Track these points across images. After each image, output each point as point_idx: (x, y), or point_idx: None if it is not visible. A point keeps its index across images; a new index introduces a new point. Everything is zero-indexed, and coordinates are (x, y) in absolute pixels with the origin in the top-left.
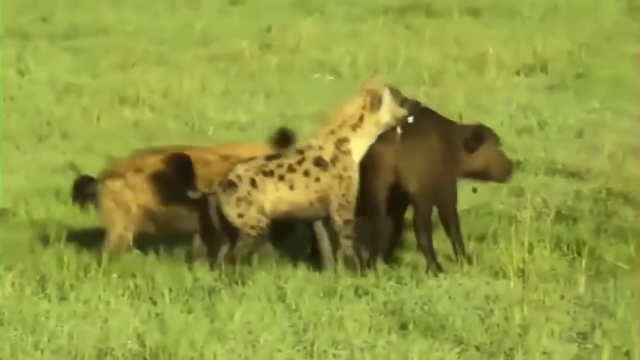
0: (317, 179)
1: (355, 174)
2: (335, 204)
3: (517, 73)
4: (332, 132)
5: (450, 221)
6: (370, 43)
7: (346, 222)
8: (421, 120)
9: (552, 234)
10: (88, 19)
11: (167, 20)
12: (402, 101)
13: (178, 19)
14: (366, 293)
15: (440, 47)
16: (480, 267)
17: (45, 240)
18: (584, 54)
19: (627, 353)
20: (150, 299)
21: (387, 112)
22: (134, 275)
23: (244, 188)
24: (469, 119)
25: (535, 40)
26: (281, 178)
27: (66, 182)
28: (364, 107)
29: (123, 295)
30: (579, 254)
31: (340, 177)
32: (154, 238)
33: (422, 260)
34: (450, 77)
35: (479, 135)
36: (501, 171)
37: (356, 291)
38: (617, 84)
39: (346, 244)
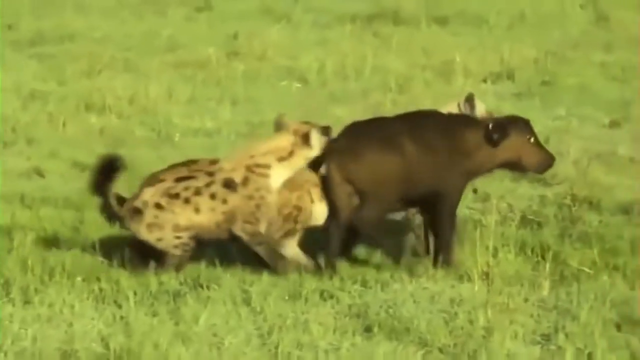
0: (225, 201)
1: (270, 197)
2: (239, 222)
3: (484, 80)
4: (251, 157)
5: (437, 222)
6: (338, 50)
7: (252, 235)
8: (372, 126)
9: (517, 238)
10: (54, 25)
11: (134, 27)
12: (324, 130)
13: (144, 26)
14: (331, 296)
15: (408, 55)
16: (445, 271)
17: (9, 245)
18: (550, 62)
19: (589, 355)
20: (115, 302)
21: (317, 148)
22: (98, 279)
23: (150, 213)
24: None
25: (502, 48)
26: (187, 201)
27: (31, 188)
28: (294, 144)
29: (88, 298)
30: (543, 258)
31: (251, 197)
32: (120, 242)
33: (387, 264)
34: (418, 84)
35: (500, 128)
36: (534, 162)
37: (321, 294)
38: (583, 92)
39: (260, 250)
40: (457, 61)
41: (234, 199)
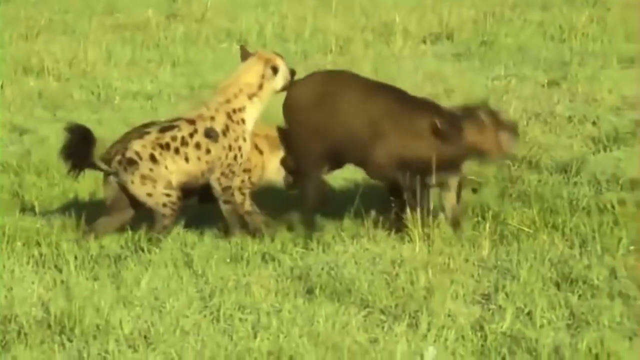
0: (208, 151)
1: (245, 145)
2: (217, 172)
3: (424, 41)
4: (227, 101)
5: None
6: (278, 12)
7: (225, 188)
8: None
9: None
10: None
11: None
12: (292, 71)
13: None
14: (273, 259)
15: (348, 16)
16: (386, 232)
17: None
18: (489, 22)
19: (529, 314)
20: (56, 266)
21: (282, 80)
22: (38, 244)
23: (144, 165)
24: None
25: (441, 8)
26: (177, 151)
27: None
28: (263, 76)
29: (28, 263)
30: (483, 218)
31: (230, 148)
32: (60, 207)
33: (329, 226)
34: (358, 46)
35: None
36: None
37: (263, 257)
38: (522, 52)
39: (225, 209)
40: (397, 22)
41: (216, 149)
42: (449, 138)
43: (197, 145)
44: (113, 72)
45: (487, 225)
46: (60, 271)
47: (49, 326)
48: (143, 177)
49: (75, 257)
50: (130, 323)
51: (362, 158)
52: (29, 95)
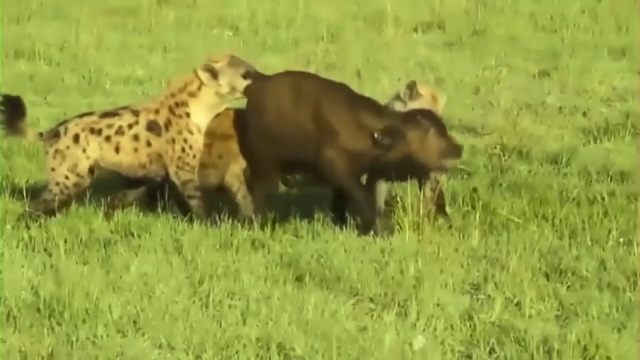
0: (149, 144)
1: (192, 136)
2: (173, 167)
3: (415, 30)
4: (172, 95)
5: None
6: None
7: (185, 182)
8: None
9: (447, 188)
10: None
11: None
12: (246, 73)
13: None
14: (262, 246)
15: (339, 4)
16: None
17: None
18: (480, 12)
19: (517, 304)
20: (45, 250)
21: (226, 85)
22: (28, 227)
23: (64, 141)
24: (367, 76)
25: None
26: (107, 139)
27: None
28: (202, 78)
29: (17, 246)
30: (473, 207)
31: (174, 140)
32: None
33: (318, 215)
34: (349, 34)
35: (391, 132)
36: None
37: (252, 244)
38: (513, 42)
39: (192, 204)
40: (388, 11)
41: (159, 143)
42: (386, 149)
43: (135, 137)
44: (104, 56)
45: (477, 215)
46: (50, 255)
47: (38, 310)
48: (57, 151)
49: (65, 241)
50: (119, 308)
51: (314, 160)
52: (20, 79)
